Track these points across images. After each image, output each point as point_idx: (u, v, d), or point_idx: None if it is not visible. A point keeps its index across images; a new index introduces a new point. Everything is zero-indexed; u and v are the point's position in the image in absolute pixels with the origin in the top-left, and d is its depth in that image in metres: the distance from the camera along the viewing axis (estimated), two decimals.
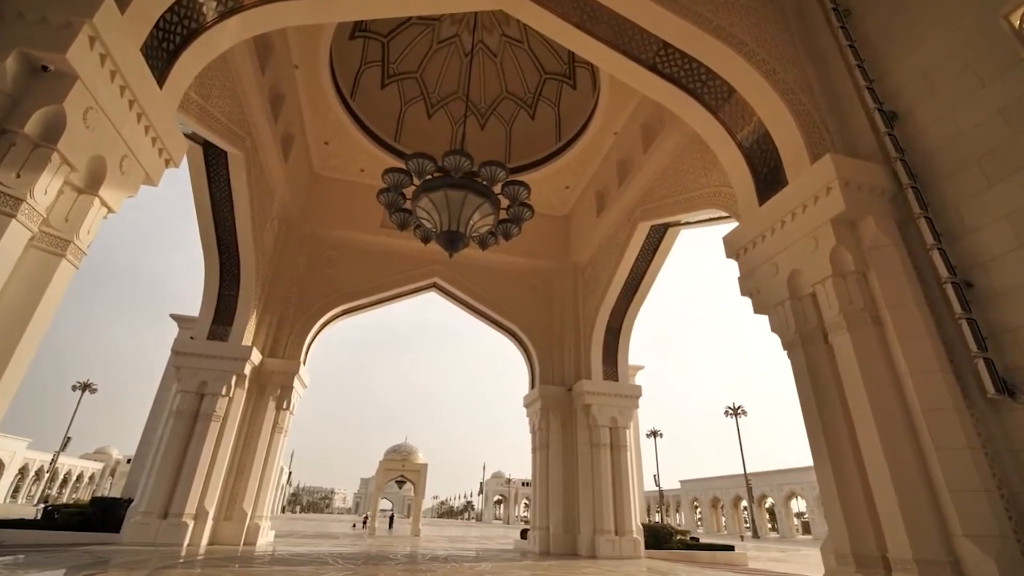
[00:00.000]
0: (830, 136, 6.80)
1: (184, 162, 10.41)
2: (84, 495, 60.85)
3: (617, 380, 15.15)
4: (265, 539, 13.18)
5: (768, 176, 7.26)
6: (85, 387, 53.55)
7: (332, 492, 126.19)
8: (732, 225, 8.48)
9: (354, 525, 38.07)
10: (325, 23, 11.71)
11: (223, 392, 12.21)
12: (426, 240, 8.83)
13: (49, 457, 52.62)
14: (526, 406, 16.97)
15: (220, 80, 8.98)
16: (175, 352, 12.70)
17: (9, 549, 9.30)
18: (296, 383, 14.16)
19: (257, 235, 12.47)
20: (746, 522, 52.51)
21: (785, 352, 6.57)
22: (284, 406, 13.86)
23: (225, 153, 10.50)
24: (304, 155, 15.12)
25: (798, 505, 49.69)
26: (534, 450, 15.91)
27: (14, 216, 4.08)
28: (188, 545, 10.84)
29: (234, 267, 12.70)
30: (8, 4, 4.27)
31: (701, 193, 10.63)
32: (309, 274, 15.38)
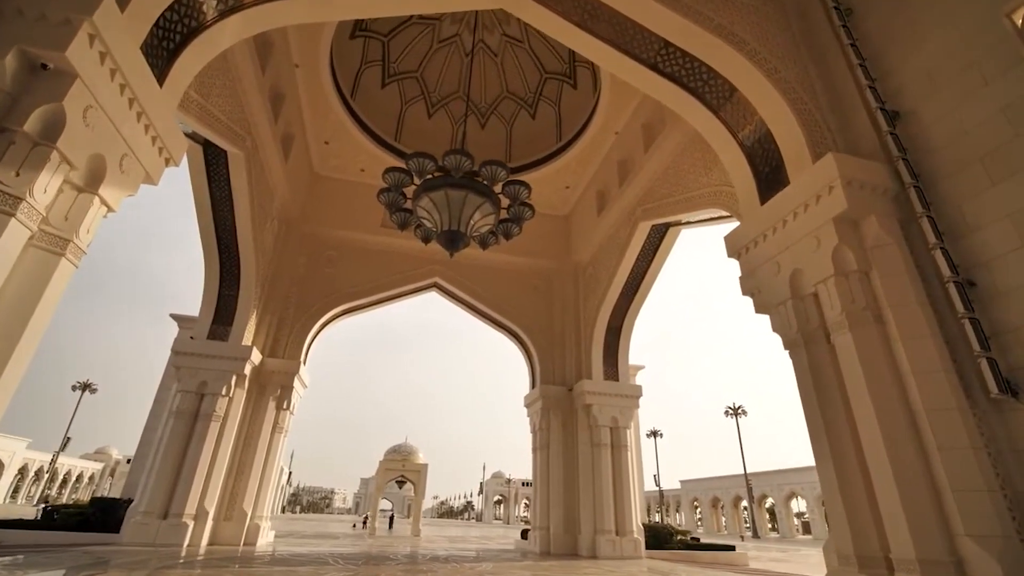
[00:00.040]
0: (832, 135, 6.79)
1: (184, 161, 10.39)
2: (84, 495, 60.87)
3: (618, 380, 15.14)
4: (265, 539, 13.16)
5: (769, 175, 7.24)
6: (85, 387, 53.56)
7: (332, 492, 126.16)
8: (733, 225, 8.46)
9: (354, 525, 38.06)
10: (325, 22, 11.70)
11: (223, 392, 12.19)
12: (427, 240, 8.82)
13: (49, 457, 52.63)
14: (527, 406, 16.95)
15: (220, 79, 8.96)
16: (175, 352, 12.68)
17: (8, 549, 9.28)
18: (296, 383, 14.14)
19: (257, 235, 12.45)
20: (746, 522, 52.51)
21: (786, 352, 6.56)
22: (284, 406, 13.84)
23: (225, 152, 10.48)
24: (304, 155, 15.10)
25: (798, 505, 49.70)
26: (535, 450, 15.89)
27: (13, 215, 4.06)
28: (188, 545, 10.82)
29: (234, 267, 12.68)
30: (7, 2, 4.25)
31: (702, 192, 10.61)
32: (309, 274, 15.36)
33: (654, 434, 59.49)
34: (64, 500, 51.17)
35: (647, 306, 15.31)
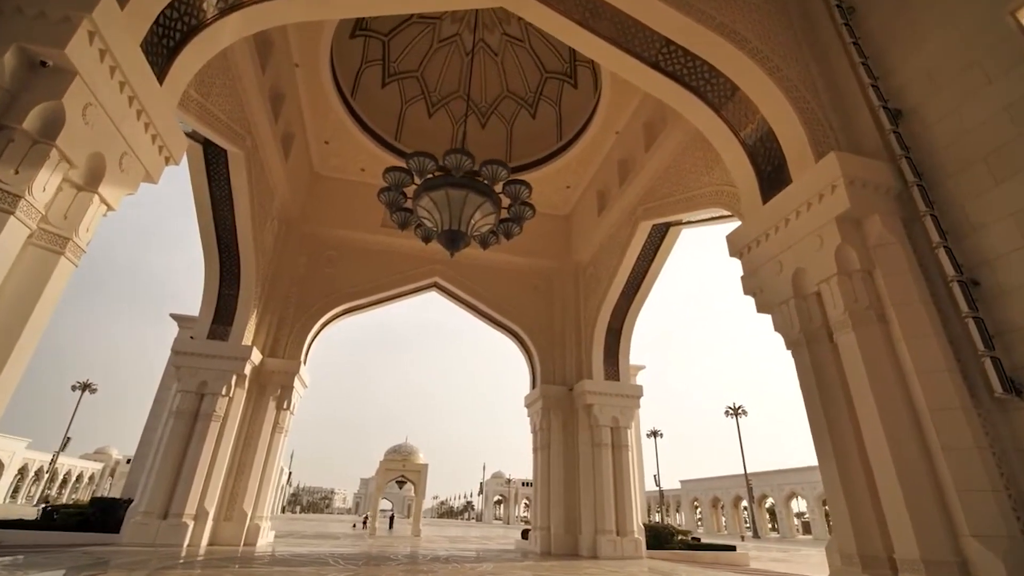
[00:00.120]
0: (834, 134, 6.76)
1: (184, 160, 10.37)
2: (84, 495, 60.84)
3: (618, 380, 15.12)
4: (265, 539, 13.13)
5: (771, 174, 7.22)
6: (85, 387, 53.52)
7: (332, 492, 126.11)
8: (733, 224, 8.44)
9: (354, 525, 38.03)
10: (325, 21, 11.68)
11: (223, 392, 12.17)
12: (427, 239, 8.80)
13: (49, 457, 52.62)
14: (527, 406, 16.93)
15: (220, 78, 8.94)
16: (175, 352, 12.66)
17: (8, 550, 9.25)
18: (296, 383, 14.12)
19: (257, 234, 12.43)
20: (746, 522, 52.49)
21: (788, 351, 6.53)
22: (284, 406, 13.81)
23: (225, 152, 10.46)
24: (304, 154, 15.08)
25: (798, 505, 49.70)
26: (535, 450, 15.87)
27: (12, 213, 4.03)
28: (188, 546, 10.79)
29: (234, 266, 12.66)
30: None
31: (703, 192, 10.59)
32: (309, 274, 15.34)
33: (654, 434, 59.47)
34: (64, 500, 51.12)
35: (648, 306, 15.30)
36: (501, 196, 8.39)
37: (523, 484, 75.98)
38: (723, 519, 56.61)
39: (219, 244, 12.28)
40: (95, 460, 68.03)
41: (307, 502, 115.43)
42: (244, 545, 12.11)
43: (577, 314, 16.27)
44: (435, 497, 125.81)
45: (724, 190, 9.68)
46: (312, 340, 15.19)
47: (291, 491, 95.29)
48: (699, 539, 17.47)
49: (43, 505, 17.27)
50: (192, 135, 9.65)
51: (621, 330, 15.29)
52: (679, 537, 15.46)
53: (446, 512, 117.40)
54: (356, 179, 16.17)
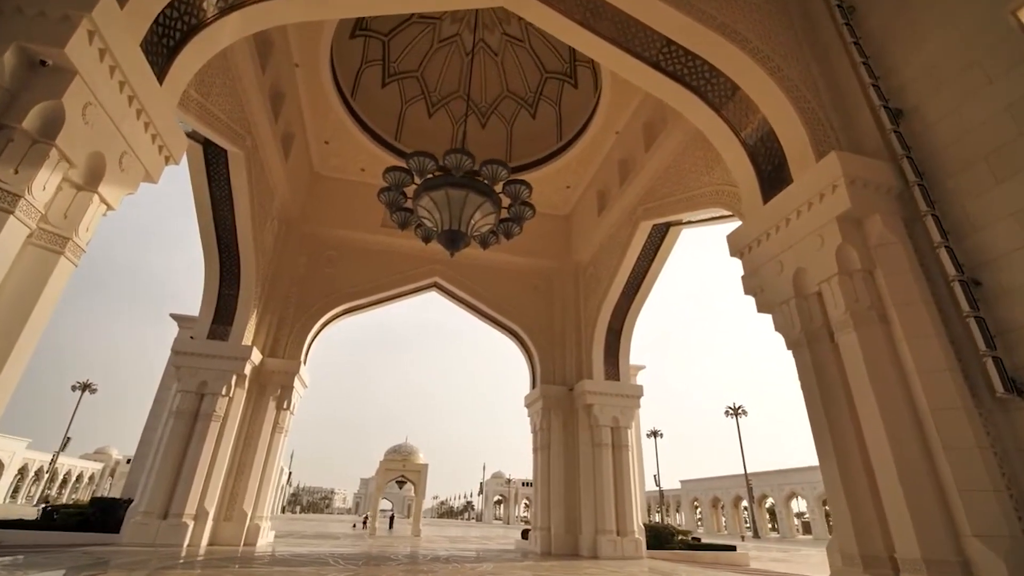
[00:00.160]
0: (835, 133, 6.75)
1: (184, 160, 10.36)
2: (84, 495, 60.82)
3: (619, 380, 15.11)
4: (265, 540, 13.12)
5: (772, 174, 7.21)
6: (85, 387, 53.53)
7: (332, 492, 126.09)
8: (734, 224, 8.44)
9: (354, 525, 38.02)
10: (325, 21, 11.67)
11: (223, 392, 12.16)
12: (427, 239, 8.79)
13: (49, 457, 52.62)
14: (527, 406, 16.92)
15: (220, 78, 8.93)
16: (175, 352, 12.65)
17: (8, 550, 9.24)
18: (296, 383, 14.11)
19: (257, 234, 12.42)
20: (746, 522, 52.49)
21: (789, 351, 6.52)
22: (284, 406, 13.81)
23: (225, 152, 10.45)
24: (304, 154, 15.07)
25: (798, 505, 49.70)
26: (535, 450, 15.86)
27: (12, 212, 4.03)
28: (188, 546, 10.78)
29: (234, 266, 12.65)
30: None
31: (703, 192, 10.58)
32: (309, 274, 15.33)
33: (654, 434, 59.47)
34: (64, 500, 51.11)
35: (648, 306, 15.30)
36: (501, 196, 8.38)
37: (523, 484, 75.97)
38: (723, 519, 56.61)
39: (219, 244, 12.27)
40: (95, 460, 68.02)
41: (307, 502, 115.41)
42: (244, 545, 12.11)
43: (577, 314, 16.26)
44: (435, 497, 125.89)
45: (724, 190, 9.68)
46: (312, 340, 15.18)
47: (291, 491, 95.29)
48: (699, 539, 17.46)
49: (43, 505, 17.26)
50: (192, 135, 9.64)
51: (621, 330, 15.28)
52: (679, 537, 15.46)
53: (446, 512, 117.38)
54: (356, 179, 16.16)
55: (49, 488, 56.43)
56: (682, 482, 63.45)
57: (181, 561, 8.77)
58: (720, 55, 7.29)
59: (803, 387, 6.18)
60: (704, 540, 17.65)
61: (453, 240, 8.09)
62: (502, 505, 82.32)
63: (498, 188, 8.27)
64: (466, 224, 8.08)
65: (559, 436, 15.03)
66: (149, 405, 19.54)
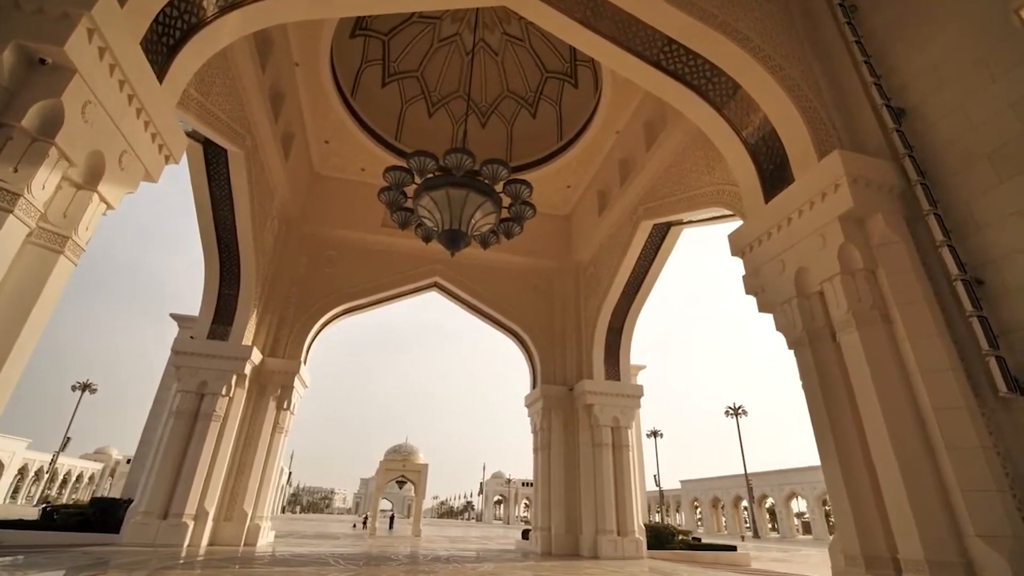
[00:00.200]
0: (837, 132, 6.73)
1: (184, 160, 10.35)
2: (84, 495, 60.80)
3: (619, 380, 15.09)
4: (265, 540, 13.10)
5: (774, 173, 7.19)
6: (85, 387, 53.52)
7: (332, 492, 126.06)
8: (735, 223, 8.42)
9: (354, 525, 38.00)
10: (325, 21, 11.65)
11: (223, 392, 12.14)
12: (427, 239, 8.77)
13: (49, 457, 52.59)
14: (527, 406, 16.90)
15: (220, 77, 8.91)
16: (175, 352, 12.63)
17: (8, 550, 9.22)
18: (296, 383, 14.10)
19: (257, 234, 12.40)
20: (746, 522, 52.47)
21: (791, 351, 6.50)
22: (284, 406, 13.79)
23: (225, 151, 10.43)
24: (304, 154, 15.06)
25: (798, 505, 49.67)
26: (536, 450, 15.84)
27: (11, 211, 4.01)
28: (188, 546, 10.77)
29: (234, 266, 12.63)
30: None
31: (704, 191, 10.56)
32: (309, 274, 15.31)
33: (654, 434, 59.46)
34: (64, 500, 51.10)
35: (648, 306, 15.28)
36: (502, 196, 8.36)
37: (523, 484, 75.96)
38: (723, 519, 56.59)
39: (219, 244, 12.25)
40: (95, 460, 67.99)
41: (307, 502, 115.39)
42: (244, 545, 12.09)
43: (577, 314, 16.24)
44: (435, 497, 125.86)
45: (725, 189, 9.66)
46: (312, 340, 15.16)
47: (291, 491, 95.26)
48: (699, 539, 17.45)
49: (43, 505, 17.24)
50: (192, 134, 9.62)
51: (622, 330, 15.27)
52: (680, 537, 15.45)
53: (446, 512, 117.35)
54: (356, 179, 16.15)
55: (49, 488, 56.41)
56: (682, 482, 63.44)
57: (181, 561, 8.75)
58: (721, 54, 7.27)
59: (805, 387, 6.16)
60: (704, 540, 17.64)
61: (453, 240, 8.07)
62: (502, 505, 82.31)
63: (498, 188, 8.25)
64: (466, 224, 8.06)
65: (559, 436, 15.01)
66: (149, 405, 19.50)
